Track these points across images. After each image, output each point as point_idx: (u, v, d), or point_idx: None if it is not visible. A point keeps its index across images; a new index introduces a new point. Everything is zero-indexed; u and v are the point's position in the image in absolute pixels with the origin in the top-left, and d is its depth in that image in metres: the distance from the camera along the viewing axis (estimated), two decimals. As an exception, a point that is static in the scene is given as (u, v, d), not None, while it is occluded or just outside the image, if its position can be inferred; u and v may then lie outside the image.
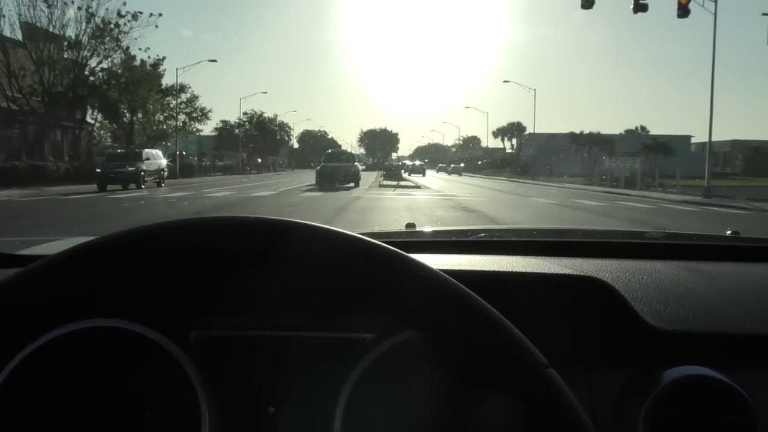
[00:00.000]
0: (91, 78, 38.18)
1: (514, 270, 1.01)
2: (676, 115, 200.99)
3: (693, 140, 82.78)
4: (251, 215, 0.71)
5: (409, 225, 1.76)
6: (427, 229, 1.75)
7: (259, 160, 76.20)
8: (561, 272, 1.02)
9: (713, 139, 29.58)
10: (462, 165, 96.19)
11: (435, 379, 0.83)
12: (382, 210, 18.15)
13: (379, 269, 0.68)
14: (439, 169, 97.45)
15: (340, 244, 0.69)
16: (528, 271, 1.01)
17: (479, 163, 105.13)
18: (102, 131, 46.94)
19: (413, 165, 78.05)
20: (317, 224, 0.70)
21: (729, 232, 1.64)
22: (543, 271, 1.03)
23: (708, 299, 1.04)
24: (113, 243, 0.67)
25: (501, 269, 1.02)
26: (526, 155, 79.92)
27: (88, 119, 42.40)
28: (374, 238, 0.71)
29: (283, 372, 0.89)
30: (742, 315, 1.00)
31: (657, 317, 0.94)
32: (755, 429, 0.82)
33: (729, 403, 0.83)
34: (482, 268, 1.03)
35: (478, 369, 0.66)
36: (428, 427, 0.83)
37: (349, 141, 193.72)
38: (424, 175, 69.39)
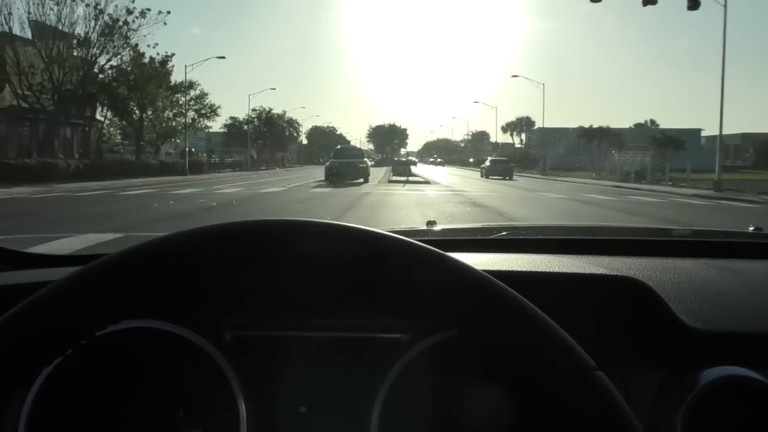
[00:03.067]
0: (101, 75, 38.32)
1: (548, 270, 1.00)
2: (686, 108, 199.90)
3: (703, 134, 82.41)
4: (286, 218, 0.70)
5: (430, 222, 1.76)
6: (450, 226, 1.75)
7: (263, 155, 76.46)
8: (596, 272, 1.02)
9: (724, 132, 29.41)
10: (438, 159, 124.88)
11: (473, 380, 0.83)
12: (393, 206, 18.15)
13: (420, 269, 0.67)
14: (429, 163, 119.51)
15: (376, 245, 0.68)
16: (560, 270, 1.00)
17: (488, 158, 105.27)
18: (111, 128, 47.03)
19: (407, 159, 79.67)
20: (351, 224, 0.69)
21: (752, 228, 1.63)
22: (576, 270, 1.02)
23: (741, 298, 1.03)
24: (153, 248, 0.67)
25: (534, 269, 1.01)
26: (534, 150, 79.73)
27: (98, 117, 42.58)
28: (400, 236, 0.70)
29: (318, 372, 0.89)
30: None
31: (692, 317, 0.93)
32: None
33: (766, 403, 0.83)
34: (514, 267, 1.02)
35: (522, 372, 0.65)
36: (467, 430, 0.83)
37: (357, 137, 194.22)
38: (415, 165, 72.17)
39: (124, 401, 0.84)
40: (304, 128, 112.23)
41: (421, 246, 0.68)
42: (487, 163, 51.42)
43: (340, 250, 0.68)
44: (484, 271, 0.66)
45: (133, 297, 0.68)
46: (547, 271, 1.00)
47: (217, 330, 0.86)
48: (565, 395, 0.62)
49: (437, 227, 1.59)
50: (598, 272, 1.02)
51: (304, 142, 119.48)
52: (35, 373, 0.75)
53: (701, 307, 0.96)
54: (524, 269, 1.02)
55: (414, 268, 0.67)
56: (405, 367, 0.84)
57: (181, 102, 47.06)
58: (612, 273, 1.01)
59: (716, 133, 29.61)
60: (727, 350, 0.90)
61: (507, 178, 43.84)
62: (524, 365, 0.64)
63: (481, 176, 47.96)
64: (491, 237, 1.45)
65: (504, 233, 1.47)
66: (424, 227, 1.60)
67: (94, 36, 36.20)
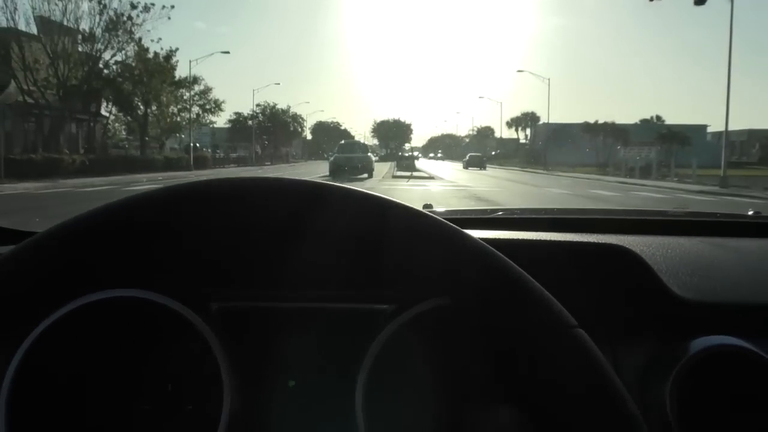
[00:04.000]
0: (105, 71, 38.29)
1: (538, 239, 1.00)
2: (692, 104, 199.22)
3: (709, 130, 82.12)
4: (281, 176, 0.68)
5: (426, 206, 1.75)
6: (446, 209, 1.74)
7: (267, 150, 76.49)
8: (586, 240, 1.01)
9: (729, 128, 29.27)
10: (439, 155, 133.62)
11: (459, 347, 0.82)
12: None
13: (408, 233, 0.66)
14: (430, 158, 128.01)
15: (371, 208, 0.67)
16: (549, 239, 1.00)
17: (492, 153, 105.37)
18: (116, 124, 47.06)
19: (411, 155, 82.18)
20: (351, 187, 0.67)
21: (751, 212, 1.62)
22: (567, 239, 1.01)
23: (734, 272, 1.02)
24: (128, 208, 0.65)
25: (524, 238, 1.01)
26: (539, 145, 79.58)
27: (103, 112, 42.53)
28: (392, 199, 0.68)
29: (304, 344, 0.89)
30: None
31: (683, 288, 0.93)
32: None
33: (757, 372, 0.82)
34: (505, 238, 1.01)
35: (505, 331, 0.65)
36: (453, 397, 0.83)
37: (362, 132, 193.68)
38: (417, 159, 74.67)
39: (110, 375, 0.83)
40: (309, 123, 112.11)
41: (404, 205, 0.67)
42: (467, 157, 66.31)
43: (335, 214, 0.66)
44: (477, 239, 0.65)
45: (105, 260, 0.66)
46: (539, 239, 0.99)
47: (202, 301, 0.85)
48: (547, 352, 0.62)
49: (432, 209, 1.59)
50: (589, 240, 1.01)
51: (309, 137, 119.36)
52: (13, 341, 0.74)
53: (692, 279, 0.96)
54: (517, 238, 1.01)
55: (406, 234, 0.66)
56: (390, 338, 0.83)
57: (185, 97, 47.06)
58: (603, 242, 1.00)
59: (722, 129, 29.44)
60: (718, 321, 0.89)
61: (481, 168, 58.09)
62: (507, 323, 0.64)
63: (463, 167, 61.22)
64: (488, 216, 1.44)
65: (499, 213, 1.46)
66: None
67: (98, 31, 36.19)
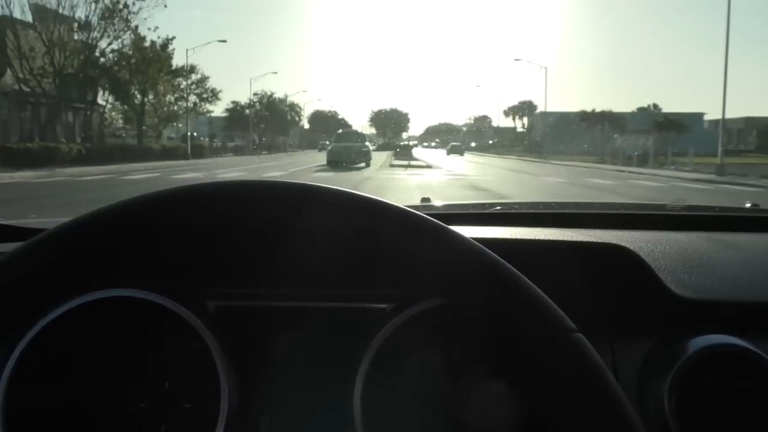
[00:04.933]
0: (102, 59, 38.11)
1: (535, 238, 0.99)
2: (689, 92, 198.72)
3: (706, 117, 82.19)
4: (274, 179, 0.68)
5: (425, 199, 1.75)
6: (443, 203, 1.74)
7: (264, 139, 76.42)
8: (583, 239, 1.01)
9: (727, 116, 29.27)
10: (433, 144, 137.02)
11: (457, 347, 0.82)
12: (394, 189, 18.10)
13: (401, 234, 0.66)
14: (424, 147, 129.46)
15: (362, 210, 0.67)
16: (548, 238, 0.99)
17: (489, 142, 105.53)
18: (113, 113, 46.90)
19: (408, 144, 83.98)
20: (341, 189, 0.67)
21: (749, 204, 1.62)
22: (564, 239, 1.01)
23: (732, 268, 1.02)
24: (128, 210, 0.65)
25: (521, 237, 1.00)
26: (536, 134, 79.73)
27: (100, 101, 42.36)
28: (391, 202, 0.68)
29: (302, 343, 0.88)
30: (767, 283, 0.98)
31: (681, 286, 0.92)
32: None
33: (755, 371, 0.82)
34: (502, 237, 1.01)
35: (503, 335, 0.64)
36: (450, 397, 0.83)
37: (359, 121, 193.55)
38: (415, 148, 79.10)
39: (108, 374, 0.83)
40: (306, 112, 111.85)
41: (404, 209, 0.67)
42: (449, 146, 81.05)
43: (329, 216, 0.66)
44: (475, 239, 0.66)
45: (102, 259, 0.65)
46: (537, 239, 0.99)
47: (199, 300, 0.85)
48: (545, 356, 0.61)
49: (430, 203, 1.59)
50: (586, 239, 1.01)
51: (306, 126, 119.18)
52: (10, 340, 0.74)
53: (691, 277, 0.95)
54: (514, 237, 1.01)
55: (396, 232, 0.66)
56: (388, 338, 0.83)
57: (182, 86, 46.95)
58: (601, 241, 1.00)
59: (719, 117, 29.45)
60: (716, 319, 0.89)
61: (460, 155, 71.99)
62: (505, 327, 0.64)
63: (447, 154, 74.51)
64: (484, 211, 1.44)
65: (497, 208, 1.46)
66: (418, 203, 1.59)
67: (94, 19, 35.98)
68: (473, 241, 0.66)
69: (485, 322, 0.66)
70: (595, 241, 1.00)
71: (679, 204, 1.50)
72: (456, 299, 0.68)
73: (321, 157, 35.97)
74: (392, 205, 0.67)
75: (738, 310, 0.91)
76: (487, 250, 0.65)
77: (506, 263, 0.65)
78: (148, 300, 0.81)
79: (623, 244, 1.02)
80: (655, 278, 0.92)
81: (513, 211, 1.46)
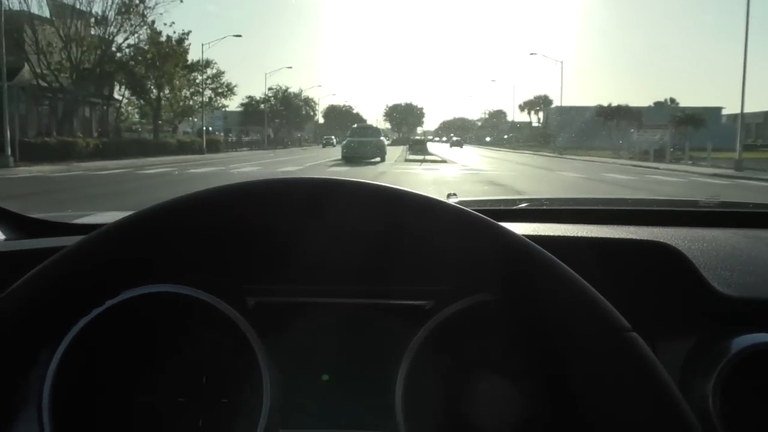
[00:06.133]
0: (118, 54, 38.33)
1: (577, 235, 0.99)
2: (707, 86, 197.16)
3: (724, 112, 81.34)
4: (316, 177, 0.68)
5: (451, 195, 1.74)
6: (472, 198, 1.73)
7: (279, 134, 76.65)
8: (626, 237, 1.00)
9: (745, 110, 28.98)
10: (444, 138, 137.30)
11: (502, 345, 0.82)
12: (410, 185, 17.91)
13: (452, 231, 0.65)
14: (435, 141, 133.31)
15: (411, 208, 0.66)
16: (588, 235, 0.98)
17: (505, 137, 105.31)
18: (129, 107, 47.14)
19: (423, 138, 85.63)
20: (387, 185, 0.67)
21: None
22: (605, 236, 1.00)
23: None
24: (172, 209, 0.66)
25: (563, 234, 1.00)
26: (551, 129, 79.27)
27: (116, 95, 42.64)
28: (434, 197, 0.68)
29: (341, 340, 0.88)
30: None
31: (724, 284, 0.91)
32: None
33: None
34: (543, 234, 1.00)
35: (555, 333, 0.64)
36: (493, 393, 0.82)
37: (374, 116, 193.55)
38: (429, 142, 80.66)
39: (147, 368, 0.84)
40: (321, 107, 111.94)
41: (451, 205, 0.66)
42: (451, 140, 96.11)
43: (368, 211, 0.66)
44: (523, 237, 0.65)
45: (148, 260, 0.66)
46: (579, 236, 0.98)
47: (240, 296, 0.85)
48: (600, 356, 0.60)
49: (459, 198, 1.57)
50: (628, 237, 1.00)
51: (321, 120, 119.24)
52: (56, 336, 0.74)
53: (732, 275, 0.94)
54: (556, 235, 1.00)
55: (449, 231, 0.65)
56: (429, 335, 0.82)
57: (198, 81, 47.06)
58: (644, 239, 0.99)
59: (737, 111, 29.16)
60: (759, 318, 0.88)
61: (460, 147, 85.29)
62: (558, 325, 0.63)
63: (450, 147, 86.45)
64: (515, 207, 1.43)
65: (525, 204, 1.45)
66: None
67: (111, 14, 36.19)
68: (519, 235, 0.65)
69: (537, 319, 0.65)
70: (637, 238, 0.99)
71: (713, 200, 1.49)
72: (501, 295, 0.68)
73: (334, 152, 35.91)
74: (444, 203, 0.66)
75: None
76: (533, 244, 0.64)
77: (554, 257, 0.64)
78: (189, 296, 0.81)
79: (661, 240, 1.01)
80: (698, 275, 0.91)
81: (546, 207, 1.45)
